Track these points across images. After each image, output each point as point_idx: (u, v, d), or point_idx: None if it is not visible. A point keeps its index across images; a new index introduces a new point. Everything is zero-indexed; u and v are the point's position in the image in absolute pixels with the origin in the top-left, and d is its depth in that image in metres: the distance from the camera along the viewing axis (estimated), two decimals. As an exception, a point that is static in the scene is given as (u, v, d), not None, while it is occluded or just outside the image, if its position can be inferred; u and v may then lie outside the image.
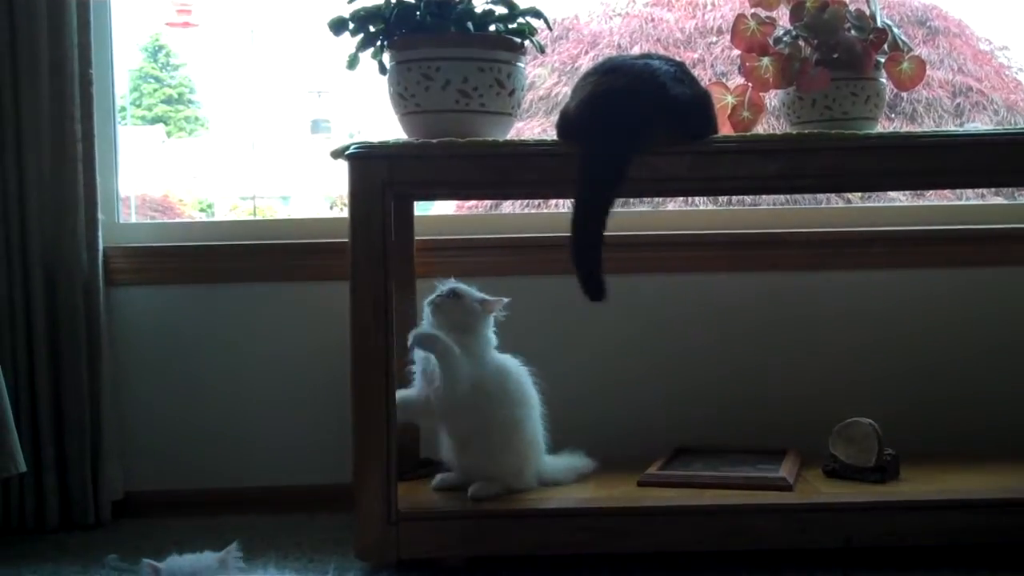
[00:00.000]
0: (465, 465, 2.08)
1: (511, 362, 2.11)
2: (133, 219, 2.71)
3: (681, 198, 2.73)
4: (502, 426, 2.05)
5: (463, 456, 2.08)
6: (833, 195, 3.03)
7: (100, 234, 2.40)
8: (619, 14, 4.10)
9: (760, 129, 2.22)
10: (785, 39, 2.13)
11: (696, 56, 3.84)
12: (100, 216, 2.40)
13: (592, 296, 1.89)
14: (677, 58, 2.28)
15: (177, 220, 3.26)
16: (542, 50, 2.18)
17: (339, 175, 2.00)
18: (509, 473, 2.06)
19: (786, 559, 1.97)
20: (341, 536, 2.20)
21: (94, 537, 2.31)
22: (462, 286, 2.09)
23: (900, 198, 3.07)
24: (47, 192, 2.34)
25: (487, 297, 2.10)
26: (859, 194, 3.07)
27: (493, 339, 2.11)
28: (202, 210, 3.99)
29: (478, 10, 2.07)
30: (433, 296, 2.07)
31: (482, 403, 2.03)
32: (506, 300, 2.10)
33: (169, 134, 4.06)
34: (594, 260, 1.87)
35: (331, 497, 2.40)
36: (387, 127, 2.18)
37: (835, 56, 2.08)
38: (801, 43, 2.11)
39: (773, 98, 2.23)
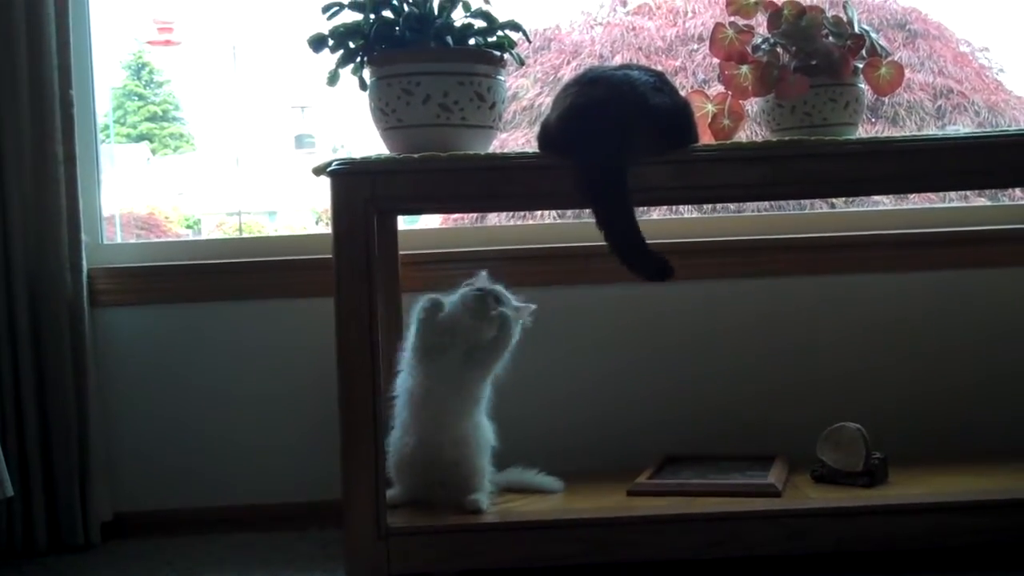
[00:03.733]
0: (429, 474, 2.06)
1: None
2: (119, 238, 2.71)
3: (664, 206, 2.73)
4: (473, 431, 2.06)
5: (430, 466, 2.06)
6: (817, 200, 3.04)
7: (84, 255, 2.40)
8: (600, 23, 4.10)
9: (741, 137, 2.23)
10: (763, 47, 2.13)
11: (678, 64, 3.84)
12: (84, 237, 2.40)
13: (661, 276, 1.90)
14: (658, 67, 2.29)
15: (160, 240, 3.26)
16: (522, 62, 2.19)
17: (324, 190, 2.00)
18: (479, 478, 2.06)
19: (777, 565, 1.97)
20: (332, 552, 2.20)
21: (84, 559, 2.30)
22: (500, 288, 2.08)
23: (884, 201, 3.08)
24: (30, 214, 2.33)
25: (519, 303, 2.09)
26: (843, 199, 3.08)
27: None
28: (188, 227, 3.98)
29: (457, 24, 2.08)
30: (471, 290, 2.06)
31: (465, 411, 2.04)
32: (533, 307, 2.10)
33: (154, 151, 4.05)
34: (644, 254, 1.89)
35: (321, 513, 2.40)
36: (371, 141, 2.18)
37: (813, 63, 2.09)
38: (779, 50, 2.12)
39: (753, 106, 2.24)
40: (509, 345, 2.04)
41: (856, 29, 2.11)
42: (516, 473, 2.19)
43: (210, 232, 3.92)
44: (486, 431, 2.09)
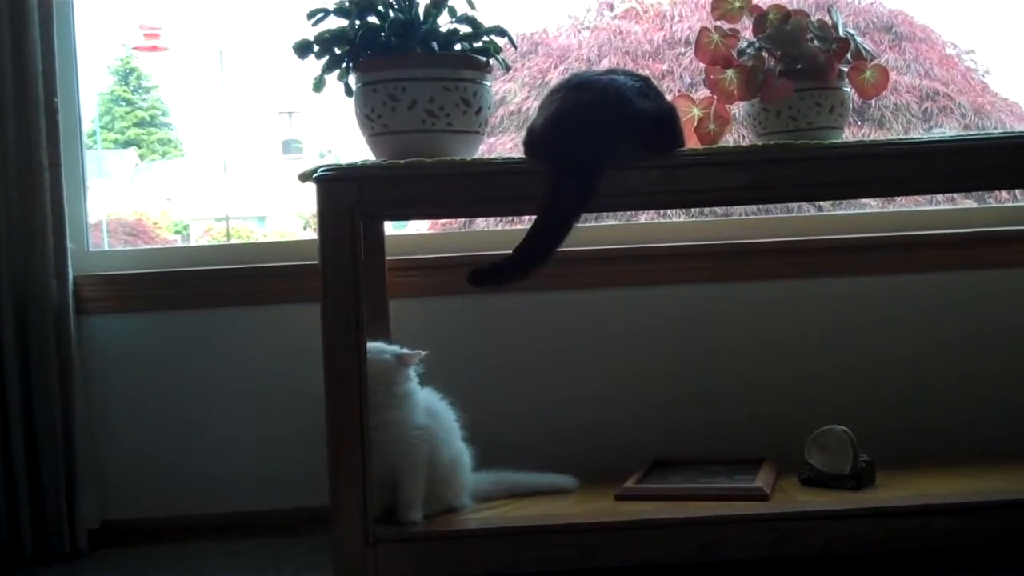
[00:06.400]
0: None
1: (431, 397, 2.11)
2: (106, 244, 2.70)
3: (652, 211, 2.74)
4: (442, 462, 2.07)
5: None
6: (804, 203, 3.04)
7: (69, 263, 2.38)
8: (588, 27, 4.12)
9: (727, 141, 2.23)
10: (748, 51, 2.14)
11: (665, 68, 3.85)
12: (69, 244, 2.39)
13: (474, 280, 1.93)
14: (644, 72, 2.29)
15: (147, 246, 3.26)
16: (507, 68, 2.19)
17: (312, 195, 1.99)
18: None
19: (765, 569, 1.97)
20: (321, 559, 2.19)
21: (71, 568, 2.29)
22: (375, 347, 2.04)
23: (871, 204, 3.09)
24: (15, 222, 2.32)
25: (405, 351, 2.06)
26: (830, 202, 3.09)
27: (418, 389, 2.08)
28: (177, 232, 3.98)
29: (443, 30, 2.07)
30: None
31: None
32: (424, 353, 2.07)
33: (142, 157, 4.04)
34: (530, 263, 1.91)
35: (311, 520, 2.39)
36: (358, 146, 2.18)
37: (798, 67, 2.09)
38: (764, 55, 2.12)
39: (739, 110, 2.24)
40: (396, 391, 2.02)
41: (841, 33, 2.11)
42: (526, 476, 2.21)
43: (199, 237, 3.92)
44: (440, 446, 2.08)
